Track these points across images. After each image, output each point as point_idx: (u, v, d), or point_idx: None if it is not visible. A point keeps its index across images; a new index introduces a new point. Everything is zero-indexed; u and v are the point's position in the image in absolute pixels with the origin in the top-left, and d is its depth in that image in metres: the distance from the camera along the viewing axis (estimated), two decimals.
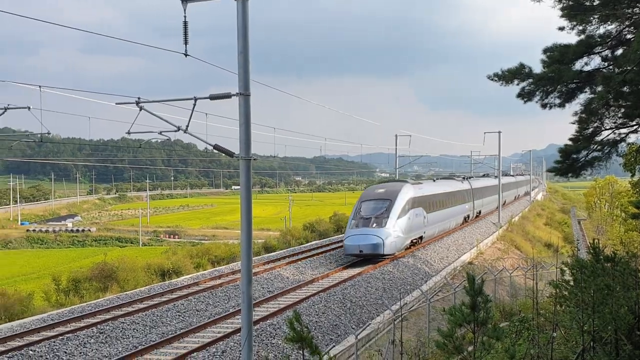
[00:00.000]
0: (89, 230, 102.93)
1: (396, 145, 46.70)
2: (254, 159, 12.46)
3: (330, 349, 11.65)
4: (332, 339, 16.57)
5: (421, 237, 31.03)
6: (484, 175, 61.20)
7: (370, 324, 15.57)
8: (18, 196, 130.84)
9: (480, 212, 47.58)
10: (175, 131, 13.23)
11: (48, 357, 14.11)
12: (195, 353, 14.23)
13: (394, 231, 26.74)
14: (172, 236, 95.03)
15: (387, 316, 16.86)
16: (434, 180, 39.94)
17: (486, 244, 36.73)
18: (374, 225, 26.75)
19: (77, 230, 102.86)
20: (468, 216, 43.17)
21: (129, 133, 13.76)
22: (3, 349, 14.65)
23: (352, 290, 21.12)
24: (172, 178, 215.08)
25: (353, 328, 15.09)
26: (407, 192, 28.92)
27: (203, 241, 74.20)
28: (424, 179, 44.51)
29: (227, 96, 12.23)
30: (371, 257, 26.56)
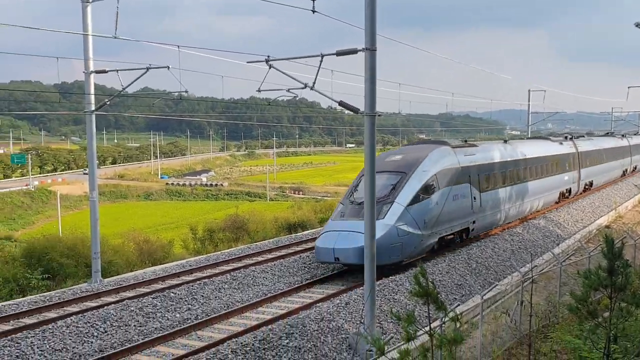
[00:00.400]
0: (221, 184, 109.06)
1: (529, 101, 44.40)
2: (379, 115, 12.42)
3: (455, 307, 11.56)
4: (455, 298, 16.42)
5: (467, 230, 20.92)
6: (607, 134, 48.95)
7: (497, 284, 15.20)
8: (158, 152, 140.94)
9: (591, 183, 35.48)
10: (302, 88, 13.50)
11: (187, 299, 15.29)
12: (320, 303, 14.75)
13: (401, 225, 16.95)
14: (296, 192, 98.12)
15: (515, 278, 16.36)
16: (506, 141, 27.26)
17: (626, 207, 34.19)
18: None
19: (211, 185, 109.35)
20: (569, 190, 32.10)
21: (259, 91, 14.26)
22: (148, 290, 16.11)
23: (478, 250, 20.67)
24: (297, 136, 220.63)
25: (478, 288, 14.82)
26: (438, 161, 19.18)
27: (326, 197, 75.88)
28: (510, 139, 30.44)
29: (353, 51, 12.21)
30: (357, 267, 16.22)
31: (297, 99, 15.09)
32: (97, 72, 16.24)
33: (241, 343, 11.88)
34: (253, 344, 11.89)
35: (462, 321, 11.30)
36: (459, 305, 13.38)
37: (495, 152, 23.75)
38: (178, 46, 15.17)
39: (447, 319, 6.12)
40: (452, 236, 20.02)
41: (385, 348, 5.76)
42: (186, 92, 16.32)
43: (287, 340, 12.34)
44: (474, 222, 21.14)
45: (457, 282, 17.61)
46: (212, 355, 11.22)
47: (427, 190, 18.18)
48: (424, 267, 5.90)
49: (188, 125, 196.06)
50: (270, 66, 13.53)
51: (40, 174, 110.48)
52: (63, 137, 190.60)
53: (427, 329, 5.83)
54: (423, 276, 5.87)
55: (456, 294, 16.79)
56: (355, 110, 12.67)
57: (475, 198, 20.86)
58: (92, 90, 16.26)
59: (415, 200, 17.68)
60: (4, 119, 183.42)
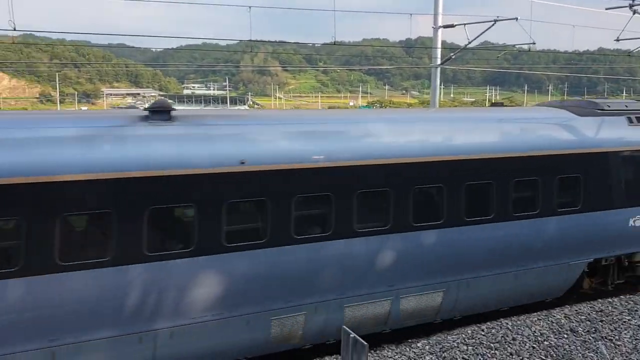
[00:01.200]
0: None
1: None
2: None
3: None
4: None
5: None
6: None
7: None
8: None
9: None
10: None
11: None
12: None
13: None
14: None
15: None
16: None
17: None
18: None
19: None
20: None
21: (617, 40, 12.88)
22: None
23: None
24: None
25: None
26: None
27: None
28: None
29: None
30: None
31: None
32: (444, 27, 16.68)
33: (576, 310, 11.32)
34: (589, 314, 11.21)
35: None
36: None
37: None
38: None
39: None
40: None
41: None
42: (534, 44, 15.66)
43: (629, 317, 11.28)
44: None
45: None
46: (543, 317, 10.96)
47: None
48: None
49: (526, 80, 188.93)
50: (635, 12, 12.02)
51: None
52: (404, 91, 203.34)
53: None
54: None
55: None
56: None
57: None
58: (439, 45, 16.81)
59: None
60: (355, 74, 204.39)
